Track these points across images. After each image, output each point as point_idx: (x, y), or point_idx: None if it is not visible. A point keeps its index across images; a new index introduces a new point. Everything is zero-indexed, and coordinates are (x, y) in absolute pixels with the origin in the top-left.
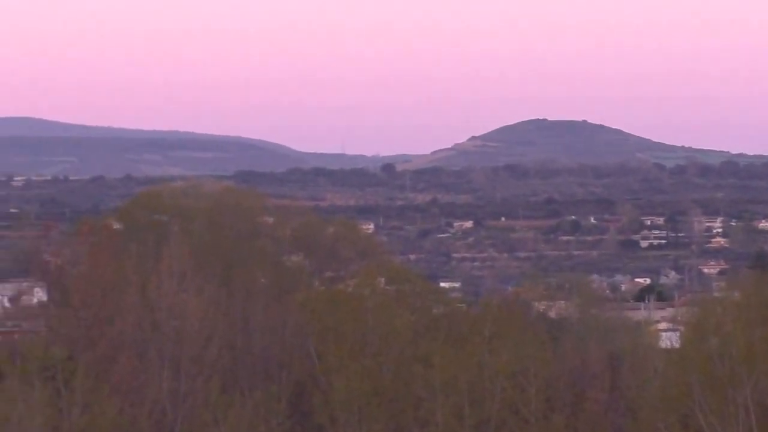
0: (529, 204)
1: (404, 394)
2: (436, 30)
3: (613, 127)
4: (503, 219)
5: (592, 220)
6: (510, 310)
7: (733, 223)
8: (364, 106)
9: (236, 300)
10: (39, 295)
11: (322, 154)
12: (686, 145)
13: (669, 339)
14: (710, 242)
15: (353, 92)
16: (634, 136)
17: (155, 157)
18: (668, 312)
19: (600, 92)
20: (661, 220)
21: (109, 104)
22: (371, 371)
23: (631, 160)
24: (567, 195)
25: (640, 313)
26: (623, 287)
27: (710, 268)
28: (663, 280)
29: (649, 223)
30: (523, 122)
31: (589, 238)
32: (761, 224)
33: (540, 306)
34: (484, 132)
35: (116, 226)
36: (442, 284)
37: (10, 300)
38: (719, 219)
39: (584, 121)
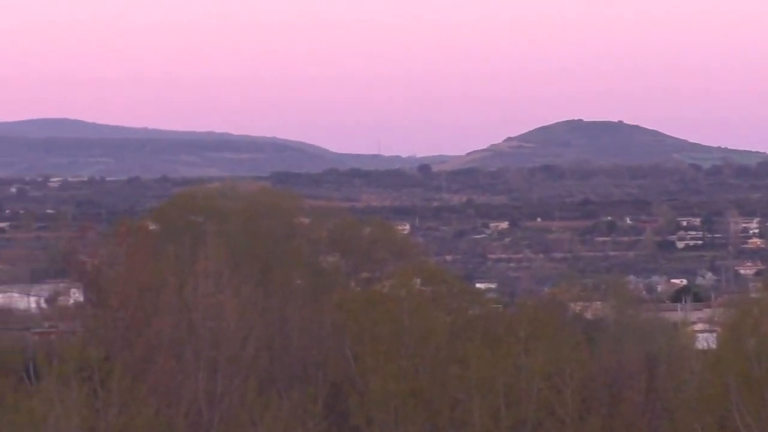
0: (565, 205)
1: (440, 395)
2: (473, 30)
3: (650, 127)
4: (539, 220)
5: (629, 221)
6: (546, 311)
7: None
8: (400, 106)
9: (273, 301)
10: (76, 295)
11: (358, 155)
12: (722, 146)
13: (705, 340)
14: (746, 243)
15: (389, 93)
16: (671, 136)
17: (191, 158)
18: (705, 313)
19: (636, 93)
20: (697, 221)
21: (145, 105)
22: (407, 372)
23: (668, 161)
24: (603, 196)
25: (677, 314)
26: (659, 288)
27: (747, 269)
28: (699, 281)
29: (685, 223)
30: (559, 123)
31: (626, 239)
32: None
33: (576, 307)
34: (520, 133)
35: (153, 226)
36: (478, 285)
37: (47, 301)
38: (755, 220)
39: (620, 122)
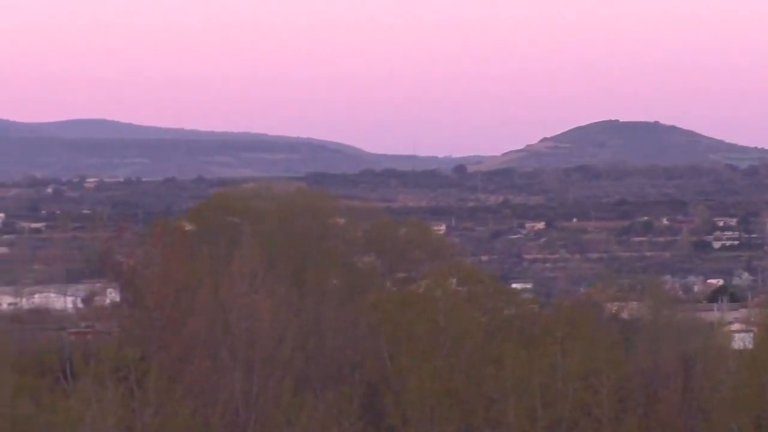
0: (601, 205)
1: (476, 395)
2: (510, 31)
3: (686, 128)
4: (575, 220)
5: (665, 221)
6: (582, 311)
7: None
8: (436, 107)
9: (308, 301)
10: (112, 296)
11: (393, 156)
12: (759, 146)
13: (742, 340)
14: None
15: (425, 93)
16: (707, 137)
17: (227, 159)
18: (741, 313)
19: (673, 93)
20: (733, 221)
21: (181, 106)
22: (443, 372)
23: (704, 161)
24: (639, 196)
25: (713, 314)
26: (696, 288)
27: None
28: (736, 281)
29: (721, 224)
30: (594, 123)
31: (662, 239)
32: None
33: (612, 307)
34: (556, 133)
35: (188, 227)
36: (514, 285)
37: (84, 301)
38: None
39: (656, 123)
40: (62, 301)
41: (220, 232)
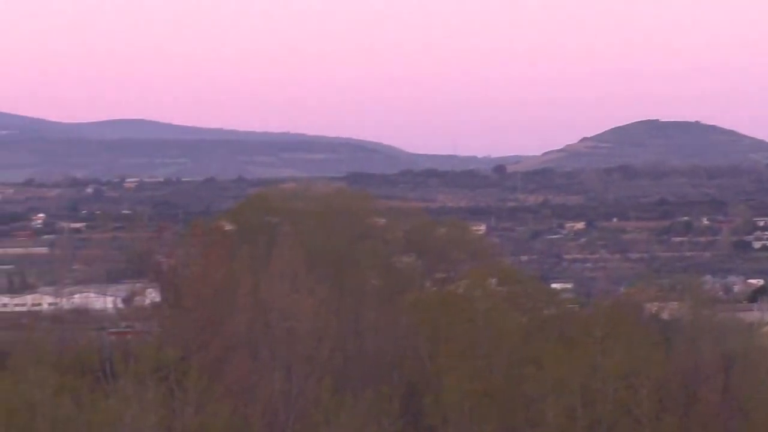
0: (641, 205)
1: (515, 394)
2: (549, 31)
3: (727, 128)
4: (615, 220)
5: (705, 221)
6: (622, 311)
7: None
8: (475, 107)
9: (347, 301)
10: (152, 296)
11: (433, 156)
12: None
13: None
14: None
15: (465, 93)
16: (748, 137)
17: (267, 159)
18: None
19: (714, 93)
20: None
21: (221, 106)
22: (482, 372)
23: (745, 161)
24: (679, 196)
25: (753, 314)
26: (736, 288)
27: None
28: None
29: (762, 224)
30: (635, 123)
31: (702, 239)
32: None
33: (652, 307)
34: (596, 133)
35: (228, 227)
36: (554, 285)
37: (124, 301)
38: None
39: (697, 122)
40: (102, 301)
41: (260, 232)
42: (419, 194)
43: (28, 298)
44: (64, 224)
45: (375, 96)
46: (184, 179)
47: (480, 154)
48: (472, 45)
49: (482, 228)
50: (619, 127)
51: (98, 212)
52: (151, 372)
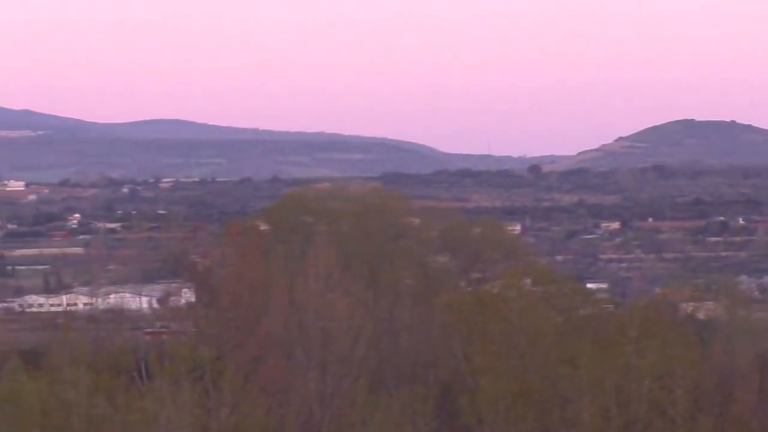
0: (677, 205)
1: (551, 394)
2: (584, 32)
3: (762, 127)
4: (650, 220)
5: (741, 221)
6: (657, 311)
7: None
8: (511, 107)
9: (382, 301)
10: (187, 296)
11: (468, 155)
12: None
13: None
14: None
15: (500, 93)
16: None
17: (302, 159)
18: None
19: (749, 92)
20: None
21: (256, 106)
22: (518, 372)
23: None
24: (715, 196)
25: None
26: None
27: None
28: None
29: None
30: (670, 123)
31: (738, 239)
32: None
33: (688, 307)
34: (632, 132)
35: (263, 227)
36: (589, 285)
37: (159, 301)
38: None
39: (733, 122)
40: (137, 301)
41: (295, 232)
42: (454, 194)
43: (64, 298)
44: (100, 224)
45: (410, 96)
46: (219, 179)
47: (515, 154)
48: (507, 45)
49: (517, 228)
50: (654, 127)
51: (134, 212)
52: (186, 372)
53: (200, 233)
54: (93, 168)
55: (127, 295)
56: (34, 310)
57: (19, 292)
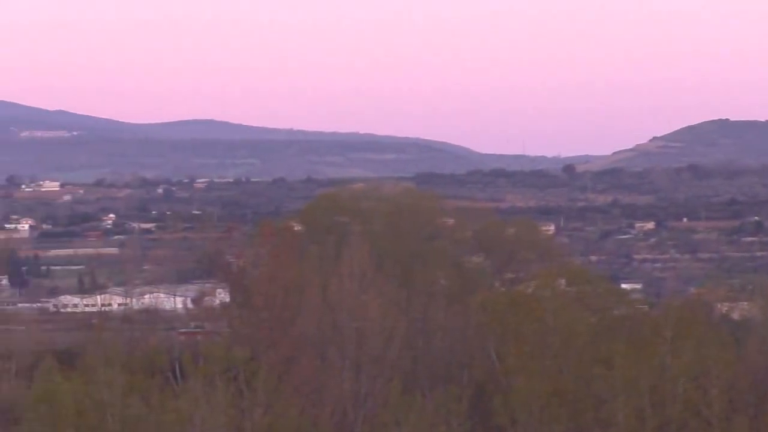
0: (712, 205)
1: (585, 395)
2: (619, 31)
3: None
4: (685, 220)
5: None
6: (692, 311)
7: None
8: (545, 107)
9: (416, 301)
10: (221, 296)
11: (502, 156)
12: None
13: None
14: None
15: (534, 93)
16: None
17: (336, 159)
18: None
19: None
20: None
21: (290, 107)
22: (552, 372)
23: None
24: (750, 196)
25: None
26: None
27: None
28: None
29: None
30: (705, 122)
31: None
32: None
33: (722, 307)
34: (666, 132)
35: (297, 227)
36: (624, 286)
37: (193, 301)
38: None
39: None
40: (172, 301)
41: (329, 233)
42: (488, 194)
43: (99, 299)
44: (135, 224)
45: (444, 96)
46: (253, 180)
47: (549, 154)
48: (541, 45)
49: (551, 228)
50: (689, 127)
51: (168, 213)
52: (220, 372)
53: (234, 233)
54: (127, 168)
55: (162, 295)
56: (69, 310)
57: (54, 292)
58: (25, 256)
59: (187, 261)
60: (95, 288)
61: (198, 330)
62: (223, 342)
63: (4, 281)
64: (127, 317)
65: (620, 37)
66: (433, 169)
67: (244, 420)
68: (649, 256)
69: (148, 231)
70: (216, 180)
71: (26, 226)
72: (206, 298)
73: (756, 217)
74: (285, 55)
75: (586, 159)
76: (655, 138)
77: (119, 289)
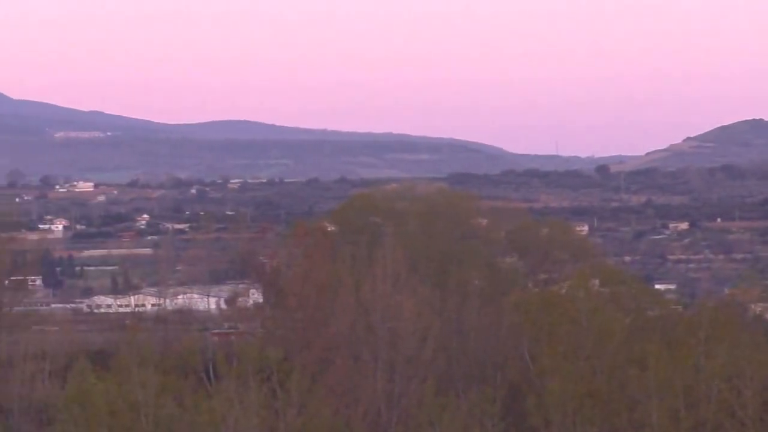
0: (746, 205)
1: (619, 396)
2: (652, 31)
3: None
4: (719, 220)
5: None
6: (726, 312)
7: None
8: (578, 107)
9: (450, 301)
10: (255, 296)
11: (535, 156)
12: None
13: None
14: None
15: (568, 94)
16: None
17: (370, 159)
18: None
19: None
20: None
21: (324, 107)
22: (585, 373)
23: None
24: None
25: None
26: None
27: None
28: None
29: None
30: (739, 122)
31: None
32: None
33: (757, 308)
34: (700, 132)
35: (331, 228)
36: (658, 286)
37: (227, 301)
38: None
39: None
40: (205, 301)
41: (363, 233)
42: (522, 194)
43: (132, 299)
44: (168, 225)
45: (477, 96)
46: (287, 180)
47: (583, 154)
48: (574, 45)
49: (585, 228)
50: (723, 127)
51: (202, 213)
52: (254, 373)
53: (268, 234)
54: (161, 169)
55: (195, 295)
56: (103, 311)
57: (88, 292)
58: (59, 256)
59: (221, 261)
60: (129, 288)
61: (231, 330)
62: (256, 342)
63: (38, 282)
64: (160, 318)
65: (655, 37)
66: (467, 170)
67: (277, 421)
68: (683, 257)
69: (181, 231)
70: (249, 180)
71: (60, 227)
72: (240, 299)
73: None
74: (319, 56)
75: (620, 159)
76: (688, 138)
77: (153, 290)
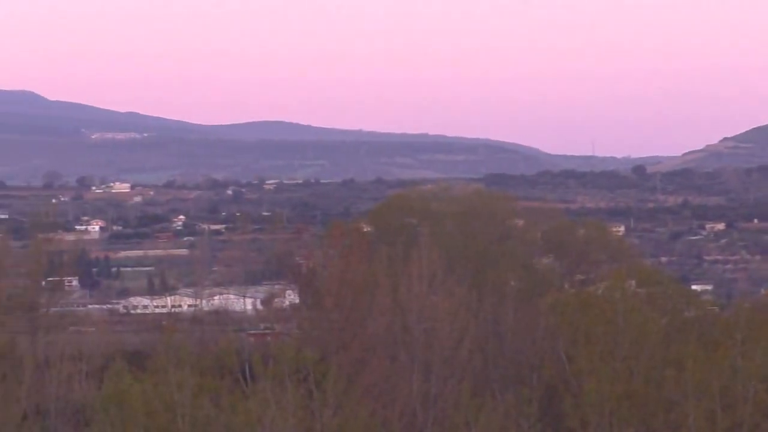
0: None
1: (656, 397)
2: (688, 30)
3: None
4: (756, 221)
5: None
6: (763, 312)
7: None
8: (614, 107)
9: (487, 302)
10: (291, 297)
11: (572, 156)
12: None
13: None
14: None
15: (604, 94)
16: None
17: (406, 160)
18: None
19: None
20: None
21: (360, 108)
22: (622, 374)
23: None
24: None
25: None
26: None
27: None
28: None
29: None
30: None
31: None
32: None
33: None
34: (737, 133)
35: (367, 228)
36: (694, 287)
37: (263, 302)
38: None
39: None
40: (242, 302)
41: (399, 234)
42: (558, 195)
43: (168, 300)
44: (204, 226)
45: (514, 97)
46: (323, 181)
47: (619, 155)
48: (611, 46)
49: (621, 229)
50: (760, 127)
51: (238, 214)
52: (290, 374)
53: (304, 235)
54: (197, 170)
55: (231, 296)
56: (139, 311)
57: (124, 293)
58: (96, 257)
59: (257, 262)
60: (165, 289)
61: (268, 331)
62: (293, 343)
63: (75, 282)
64: (197, 318)
65: (691, 38)
66: (503, 170)
67: (314, 421)
68: (719, 257)
69: (217, 232)
70: (285, 181)
71: (97, 228)
72: (276, 300)
73: None
74: (354, 57)
75: (657, 160)
76: (725, 138)
77: (189, 291)
